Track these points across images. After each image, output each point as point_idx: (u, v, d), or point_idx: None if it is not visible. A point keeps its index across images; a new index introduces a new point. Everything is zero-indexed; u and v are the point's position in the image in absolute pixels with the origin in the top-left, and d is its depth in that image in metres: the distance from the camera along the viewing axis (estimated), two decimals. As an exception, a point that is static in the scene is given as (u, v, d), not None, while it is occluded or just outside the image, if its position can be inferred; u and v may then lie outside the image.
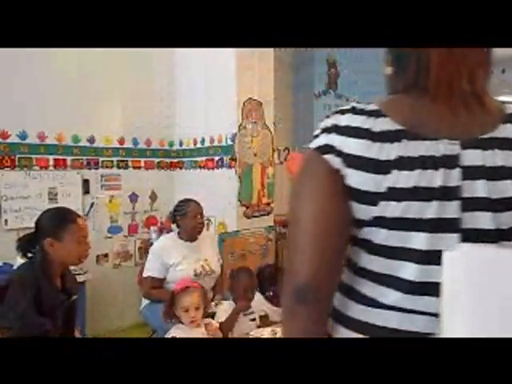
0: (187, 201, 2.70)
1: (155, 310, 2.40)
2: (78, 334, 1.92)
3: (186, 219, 2.60)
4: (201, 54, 3.47)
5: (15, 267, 2.61)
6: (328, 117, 0.73)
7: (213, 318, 2.18)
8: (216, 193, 3.41)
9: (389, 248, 0.67)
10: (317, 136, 0.72)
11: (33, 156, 3.05)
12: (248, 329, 2.21)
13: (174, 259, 2.53)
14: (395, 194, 0.64)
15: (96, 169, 3.39)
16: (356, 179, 0.66)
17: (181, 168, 3.82)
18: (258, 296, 2.49)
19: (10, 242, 2.89)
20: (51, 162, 3.15)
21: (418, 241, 0.64)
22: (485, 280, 0.42)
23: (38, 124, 3.07)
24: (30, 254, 1.70)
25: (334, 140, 0.68)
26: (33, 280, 1.59)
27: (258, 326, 2.26)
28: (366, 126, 0.68)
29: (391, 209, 0.65)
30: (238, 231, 3.32)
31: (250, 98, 3.34)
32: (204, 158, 3.57)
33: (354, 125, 0.68)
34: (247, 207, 3.37)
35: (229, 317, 2.20)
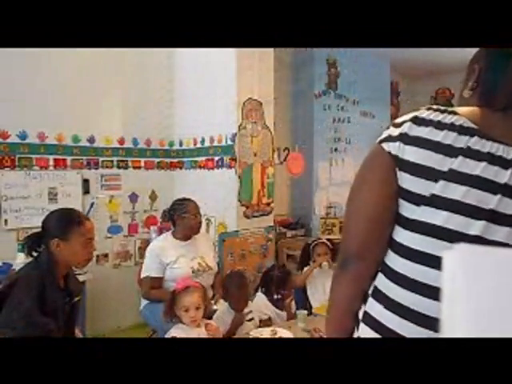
0: (184, 200, 2.70)
1: (155, 310, 2.40)
2: (79, 334, 1.92)
3: (184, 218, 2.60)
4: (201, 54, 3.47)
5: (14, 267, 2.62)
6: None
7: (210, 318, 2.17)
8: (216, 193, 3.41)
9: (446, 230, 0.69)
10: (394, 126, 0.78)
11: (33, 156, 3.05)
12: (245, 330, 2.20)
13: (170, 258, 2.53)
14: (457, 177, 0.68)
15: (96, 169, 3.39)
16: (421, 155, 0.71)
17: (181, 168, 3.82)
18: (261, 298, 2.47)
19: (10, 241, 2.91)
20: (51, 162, 3.15)
21: (476, 228, 0.68)
22: (485, 280, 0.42)
23: (38, 124, 3.07)
24: (35, 253, 1.69)
25: (407, 128, 0.74)
26: (37, 279, 1.59)
27: (258, 327, 2.25)
28: (439, 119, 0.73)
29: (451, 190, 0.69)
30: (237, 231, 3.32)
31: (250, 98, 3.34)
32: (204, 158, 3.57)
33: (432, 118, 0.73)
34: (247, 207, 3.37)
35: (228, 331, 2.20)
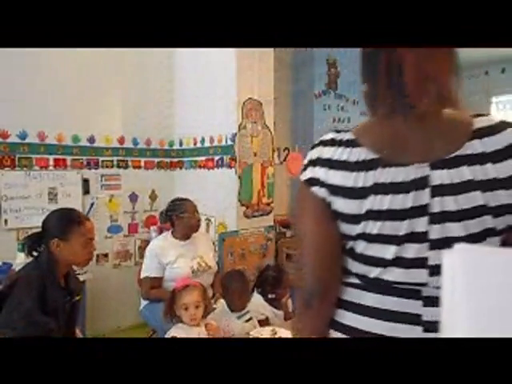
0: (181, 199, 2.70)
1: (154, 310, 2.40)
2: (79, 334, 1.92)
3: (183, 218, 2.60)
4: (201, 54, 3.47)
5: (14, 267, 2.62)
6: (313, 148, 0.85)
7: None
8: (216, 193, 3.41)
9: (366, 256, 0.78)
10: (305, 168, 0.85)
11: (33, 156, 3.05)
12: (243, 331, 2.20)
13: (169, 258, 2.53)
14: (373, 215, 0.75)
15: (96, 169, 3.39)
16: (340, 205, 0.78)
17: (181, 168, 3.82)
18: (257, 299, 2.47)
19: (9, 241, 2.91)
20: (51, 162, 3.15)
21: (389, 250, 0.75)
22: (485, 280, 0.42)
23: (38, 124, 3.07)
24: (35, 253, 1.70)
25: (318, 172, 0.81)
26: (38, 279, 1.59)
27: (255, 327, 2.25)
28: (343, 158, 0.79)
29: (370, 227, 0.76)
30: (237, 231, 3.32)
31: (250, 98, 3.34)
32: (204, 158, 3.57)
33: (334, 158, 0.80)
34: (247, 207, 3.37)
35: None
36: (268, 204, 3.53)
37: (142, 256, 3.62)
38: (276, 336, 2.01)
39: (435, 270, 0.73)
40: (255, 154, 3.40)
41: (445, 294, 0.51)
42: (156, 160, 3.76)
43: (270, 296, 2.48)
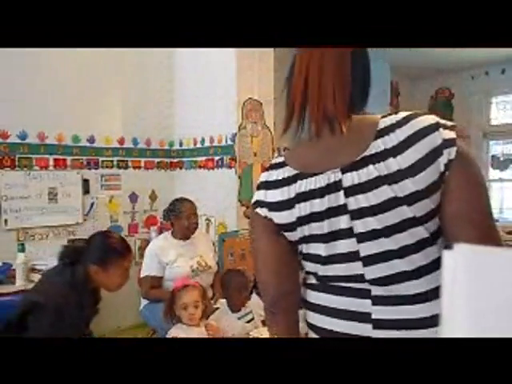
0: (181, 200, 2.70)
1: (154, 310, 2.40)
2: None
3: (180, 219, 2.60)
4: (201, 54, 3.47)
5: (14, 267, 2.62)
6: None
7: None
8: (216, 193, 3.41)
9: (310, 255, 0.90)
10: (256, 189, 0.96)
11: (33, 156, 3.05)
12: (243, 331, 2.20)
13: (169, 257, 2.53)
14: (302, 220, 0.87)
15: (96, 169, 3.39)
16: (277, 218, 0.90)
17: (181, 168, 3.82)
18: (256, 299, 2.47)
19: (10, 241, 2.91)
20: (51, 162, 3.14)
21: (321, 248, 0.86)
22: (485, 280, 0.42)
23: (38, 124, 3.07)
24: (67, 260, 1.71)
25: (259, 195, 0.93)
26: (75, 298, 1.62)
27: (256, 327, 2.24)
28: (274, 178, 0.91)
29: (303, 230, 0.88)
30: (237, 231, 3.32)
31: (250, 98, 3.34)
32: (204, 158, 3.57)
33: (269, 179, 0.92)
34: (247, 207, 3.37)
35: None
36: (268, 204, 3.52)
37: (142, 256, 3.62)
38: (276, 336, 2.00)
39: (368, 261, 0.82)
40: (255, 154, 3.40)
41: (445, 293, 0.51)
42: (156, 160, 3.76)
43: None
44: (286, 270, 0.93)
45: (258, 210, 0.93)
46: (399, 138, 0.78)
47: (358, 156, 0.81)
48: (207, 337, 1.97)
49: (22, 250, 2.66)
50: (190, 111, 3.66)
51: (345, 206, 0.82)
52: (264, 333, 2.06)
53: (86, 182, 3.31)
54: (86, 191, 3.32)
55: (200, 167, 3.62)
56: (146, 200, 3.70)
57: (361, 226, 0.81)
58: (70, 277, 1.67)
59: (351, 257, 0.83)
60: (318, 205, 0.84)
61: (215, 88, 3.41)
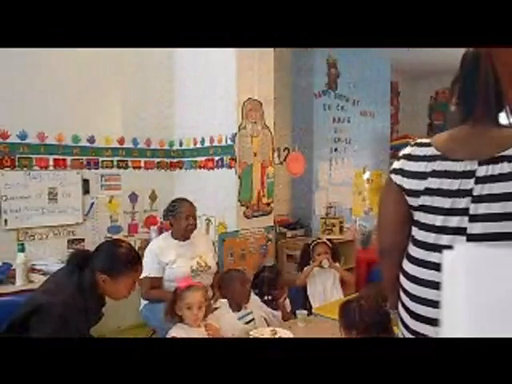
0: (180, 200, 2.70)
1: (154, 310, 2.40)
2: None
3: (179, 219, 2.60)
4: (201, 54, 3.47)
5: (14, 267, 2.62)
6: (405, 146, 1.21)
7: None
8: (216, 193, 3.41)
9: (422, 225, 1.10)
10: (396, 160, 1.18)
11: (33, 156, 3.05)
12: (243, 331, 2.20)
13: (169, 258, 2.53)
14: (428, 192, 1.07)
15: (96, 169, 3.39)
16: (408, 184, 1.11)
17: (181, 168, 3.82)
18: (255, 300, 2.47)
19: (10, 241, 2.90)
20: (51, 162, 3.14)
21: (438, 220, 1.06)
22: (485, 280, 0.42)
23: (38, 124, 3.07)
24: (75, 261, 1.72)
25: (399, 164, 1.15)
26: (82, 305, 1.62)
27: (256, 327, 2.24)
28: (417, 153, 1.12)
29: (424, 200, 1.08)
30: (237, 231, 3.32)
31: (250, 98, 3.34)
32: (204, 158, 3.57)
33: (413, 153, 1.13)
34: (247, 207, 3.37)
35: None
36: (268, 204, 3.53)
37: (141, 256, 3.62)
38: (276, 336, 2.01)
39: (472, 238, 1.00)
40: (255, 154, 3.40)
41: (445, 293, 0.51)
42: (156, 160, 3.76)
43: (266, 298, 2.48)
44: (403, 225, 1.16)
45: (393, 175, 1.16)
46: None
47: (498, 154, 1.00)
48: (207, 337, 1.97)
49: (22, 250, 2.66)
50: (190, 111, 3.65)
51: (471, 190, 1.01)
52: (264, 333, 2.06)
53: (86, 182, 3.31)
54: (86, 191, 3.32)
55: (200, 167, 3.61)
56: (146, 200, 3.70)
57: (477, 208, 1.00)
58: (78, 281, 1.66)
59: (459, 232, 1.02)
60: (448, 184, 1.04)
61: (215, 88, 3.41)
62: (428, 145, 1.11)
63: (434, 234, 1.07)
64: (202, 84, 3.54)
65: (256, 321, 2.32)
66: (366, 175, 5.14)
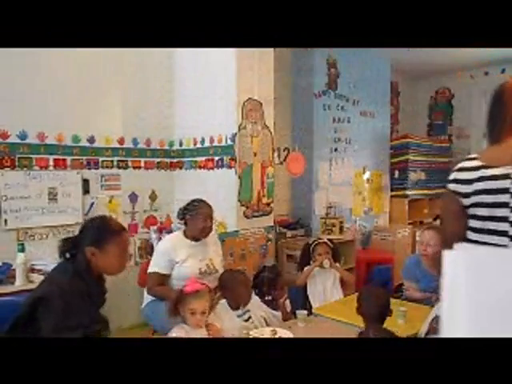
0: (200, 201, 2.66)
1: (157, 310, 2.39)
2: None
3: (196, 220, 2.58)
4: (201, 54, 3.47)
5: (14, 267, 2.62)
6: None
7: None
8: (216, 193, 3.41)
9: (476, 216, 1.43)
10: (451, 172, 1.51)
11: (33, 156, 3.05)
12: (243, 330, 2.20)
13: (180, 257, 2.53)
14: (477, 192, 1.39)
15: (96, 169, 3.39)
16: (461, 188, 1.44)
17: (181, 168, 3.82)
18: (255, 300, 2.47)
19: (10, 241, 2.90)
20: (51, 162, 3.14)
21: (485, 211, 1.39)
22: (485, 279, 0.42)
23: (38, 124, 3.07)
24: (68, 255, 1.72)
25: (453, 175, 1.47)
26: (81, 283, 1.63)
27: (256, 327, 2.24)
28: (466, 165, 1.44)
29: (474, 199, 1.41)
30: (237, 231, 3.32)
31: (250, 98, 3.34)
32: (204, 158, 3.57)
33: (463, 166, 1.45)
34: (247, 207, 3.37)
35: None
36: (268, 204, 3.53)
37: (141, 256, 3.63)
38: (276, 336, 2.01)
39: None
40: (255, 154, 3.40)
41: (445, 293, 0.51)
42: (156, 160, 3.76)
43: (266, 298, 2.48)
44: (458, 223, 1.47)
45: (449, 184, 1.48)
46: None
47: None
48: (208, 337, 1.97)
49: (22, 250, 2.66)
50: (190, 111, 3.65)
51: (508, 189, 1.34)
52: (264, 333, 2.06)
53: (86, 182, 3.31)
54: (86, 191, 3.32)
55: (200, 167, 3.61)
56: (146, 200, 3.70)
57: None
58: (73, 266, 1.68)
59: (502, 220, 1.35)
60: (490, 185, 1.37)
61: (215, 88, 3.41)
62: (474, 159, 1.46)
63: (484, 222, 1.41)
64: (202, 84, 3.54)
65: (255, 320, 2.33)
66: (366, 175, 5.14)
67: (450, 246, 1.54)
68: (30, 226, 3.02)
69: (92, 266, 1.69)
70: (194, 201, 2.70)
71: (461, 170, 1.49)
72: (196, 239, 2.62)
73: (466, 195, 1.45)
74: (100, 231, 1.72)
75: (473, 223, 1.49)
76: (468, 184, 1.44)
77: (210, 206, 2.66)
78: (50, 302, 1.54)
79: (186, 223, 2.65)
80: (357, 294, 2.18)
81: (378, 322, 1.78)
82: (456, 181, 1.48)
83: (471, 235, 1.53)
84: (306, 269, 2.97)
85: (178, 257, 2.53)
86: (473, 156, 1.49)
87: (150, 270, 2.56)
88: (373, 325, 1.73)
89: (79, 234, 1.75)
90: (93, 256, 1.68)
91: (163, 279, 2.53)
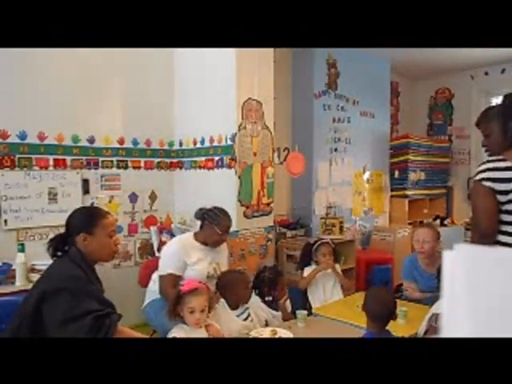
0: (224, 214, 2.62)
1: (157, 310, 2.39)
2: None
3: (214, 229, 2.56)
4: (201, 54, 3.47)
5: (14, 267, 2.62)
6: (484, 163, 1.76)
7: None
8: (216, 193, 3.41)
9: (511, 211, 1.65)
10: (478, 173, 1.73)
11: (33, 156, 3.05)
12: (242, 329, 2.19)
13: (192, 259, 2.53)
14: None
15: (96, 169, 3.39)
16: (498, 186, 1.67)
17: (181, 168, 3.82)
18: (255, 300, 2.47)
19: (10, 241, 2.91)
20: (51, 162, 3.14)
21: None
22: (485, 280, 0.42)
23: (38, 124, 3.07)
24: (59, 253, 1.76)
25: (486, 174, 1.69)
26: (80, 272, 1.67)
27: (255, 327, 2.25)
28: (499, 165, 1.67)
29: (511, 196, 1.63)
30: (237, 231, 3.32)
31: (250, 98, 3.34)
32: (204, 158, 3.57)
33: (496, 165, 1.68)
34: (247, 207, 3.37)
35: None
36: (268, 204, 3.53)
37: (141, 256, 3.63)
38: (276, 336, 2.01)
39: None
40: (255, 154, 3.40)
41: (445, 293, 0.51)
42: (156, 160, 3.76)
43: (266, 298, 2.48)
44: (495, 217, 1.69)
45: (484, 182, 1.68)
46: None
47: None
48: (208, 337, 1.97)
49: (22, 250, 2.66)
50: (190, 111, 3.65)
51: None
52: (264, 333, 2.06)
53: (85, 182, 3.31)
54: (86, 191, 3.32)
55: (200, 167, 3.61)
56: (146, 200, 3.70)
57: None
58: (68, 259, 1.72)
59: None
60: None
61: (215, 88, 3.41)
62: (503, 160, 1.69)
63: None
64: (202, 84, 3.54)
65: (254, 318, 2.33)
66: (366, 175, 5.14)
67: (485, 240, 1.61)
68: (29, 226, 3.02)
69: (86, 254, 1.73)
70: (218, 209, 2.65)
71: (495, 169, 1.68)
72: (205, 244, 2.62)
73: (505, 192, 1.66)
74: (87, 216, 1.80)
75: (507, 218, 1.71)
76: (507, 182, 1.65)
77: (231, 220, 2.64)
78: (55, 293, 1.57)
79: (201, 227, 2.64)
80: (359, 293, 2.18)
81: (381, 323, 1.77)
82: (493, 179, 1.67)
83: (506, 227, 1.73)
84: (309, 272, 2.96)
85: (189, 259, 2.53)
86: (501, 157, 1.69)
87: (164, 272, 2.54)
88: (375, 324, 1.73)
89: (66, 228, 1.80)
90: (84, 242, 1.73)
91: (178, 281, 2.52)
